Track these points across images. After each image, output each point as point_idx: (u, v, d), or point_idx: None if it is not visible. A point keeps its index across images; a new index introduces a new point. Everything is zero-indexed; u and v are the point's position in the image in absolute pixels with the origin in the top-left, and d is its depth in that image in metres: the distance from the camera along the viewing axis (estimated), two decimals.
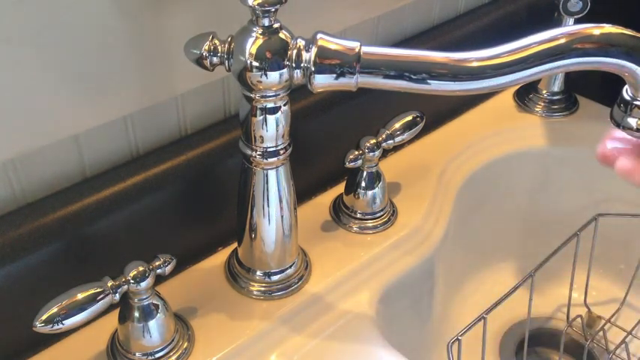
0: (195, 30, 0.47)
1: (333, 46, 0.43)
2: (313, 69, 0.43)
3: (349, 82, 0.43)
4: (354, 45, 0.43)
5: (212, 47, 0.46)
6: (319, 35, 0.43)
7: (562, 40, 0.38)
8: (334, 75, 0.43)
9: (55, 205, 0.49)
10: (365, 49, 0.43)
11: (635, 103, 0.40)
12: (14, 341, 0.49)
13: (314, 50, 0.43)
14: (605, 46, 0.38)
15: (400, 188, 0.67)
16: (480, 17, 0.77)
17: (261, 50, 0.44)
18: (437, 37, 0.73)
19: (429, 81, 0.41)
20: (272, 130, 0.48)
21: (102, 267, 0.47)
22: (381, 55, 0.43)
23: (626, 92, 0.40)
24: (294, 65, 0.44)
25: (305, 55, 0.44)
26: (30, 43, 0.44)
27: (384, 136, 0.61)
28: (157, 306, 0.48)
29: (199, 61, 0.46)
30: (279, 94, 0.47)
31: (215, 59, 0.46)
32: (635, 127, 0.40)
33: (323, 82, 0.44)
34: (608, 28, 0.38)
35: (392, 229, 0.63)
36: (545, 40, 0.39)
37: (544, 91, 0.80)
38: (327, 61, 0.43)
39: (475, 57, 0.40)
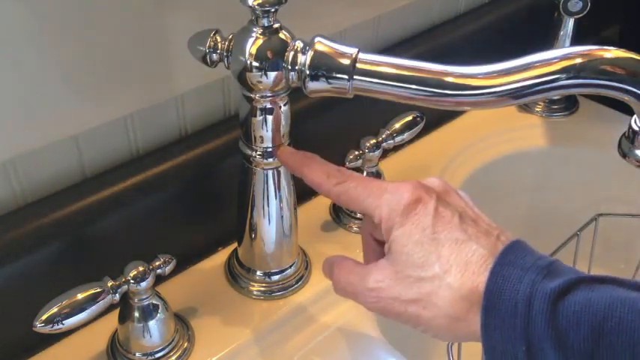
0: (195, 30, 0.47)
1: (329, 51, 0.42)
2: (308, 73, 0.43)
3: (343, 89, 0.42)
4: (351, 51, 0.42)
5: (212, 44, 0.46)
6: (317, 39, 0.43)
7: (568, 63, 0.37)
8: (328, 80, 0.42)
9: (55, 205, 0.49)
10: (362, 56, 0.42)
11: None
12: (14, 341, 0.49)
13: (310, 54, 0.43)
14: (613, 72, 0.36)
15: None
16: (480, 17, 0.77)
17: (260, 50, 0.44)
18: (437, 37, 0.73)
19: (424, 94, 0.40)
20: (272, 130, 0.48)
21: (102, 267, 0.47)
22: (378, 63, 0.41)
23: (635, 123, 0.40)
24: (289, 67, 0.44)
25: (301, 58, 0.43)
26: (30, 43, 0.44)
27: (384, 136, 0.61)
28: (156, 306, 0.48)
29: (203, 57, 0.46)
30: (279, 94, 0.47)
31: (215, 56, 0.46)
32: None
33: (317, 86, 0.43)
34: (615, 52, 0.36)
35: None
36: (550, 60, 0.37)
37: None
38: (321, 66, 0.42)
39: (474, 73, 0.39)
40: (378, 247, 0.43)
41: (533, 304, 0.34)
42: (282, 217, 0.53)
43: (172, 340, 0.50)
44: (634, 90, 0.36)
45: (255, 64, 0.44)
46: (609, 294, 0.33)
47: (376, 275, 0.40)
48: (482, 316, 0.35)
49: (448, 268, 0.37)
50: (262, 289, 0.56)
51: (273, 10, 0.44)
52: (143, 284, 0.46)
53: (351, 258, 0.43)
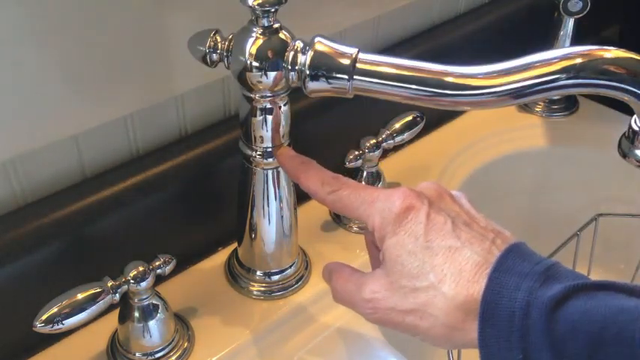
0: (195, 30, 0.47)
1: (329, 51, 0.42)
2: (308, 73, 0.43)
3: (343, 89, 0.42)
4: (352, 51, 0.42)
5: (212, 44, 0.46)
6: (317, 39, 0.43)
7: (568, 63, 0.36)
8: (328, 80, 0.42)
9: (55, 205, 0.49)
10: (362, 56, 0.41)
11: None
12: (14, 341, 0.49)
13: (310, 54, 0.43)
14: (613, 72, 0.36)
15: None
16: (480, 17, 0.77)
17: (260, 50, 0.44)
18: (437, 37, 0.73)
19: (424, 94, 0.40)
20: (272, 130, 0.48)
21: (102, 267, 0.47)
22: (378, 63, 0.41)
23: (635, 123, 0.40)
24: (289, 67, 0.44)
25: (301, 58, 0.43)
26: (30, 43, 0.44)
27: (384, 136, 0.61)
28: (156, 306, 0.48)
29: (203, 57, 0.47)
30: (278, 94, 0.47)
31: (215, 56, 0.46)
32: None
33: (317, 86, 0.43)
34: (615, 52, 0.36)
35: None
36: (550, 60, 0.37)
37: None
38: (321, 66, 0.42)
39: (474, 73, 0.39)
40: (378, 253, 0.43)
41: (531, 312, 0.33)
42: (282, 217, 0.53)
43: (172, 340, 0.50)
44: (634, 90, 0.36)
45: (255, 64, 0.44)
46: (609, 302, 0.33)
47: (372, 286, 0.39)
48: (479, 325, 0.35)
49: (442, 277, 0.36)
50: (262, 289, 0.56)
51: (273, 10, 0.44)
52: (143, 284, 0.46)
53: (350, 265, 0.43)
